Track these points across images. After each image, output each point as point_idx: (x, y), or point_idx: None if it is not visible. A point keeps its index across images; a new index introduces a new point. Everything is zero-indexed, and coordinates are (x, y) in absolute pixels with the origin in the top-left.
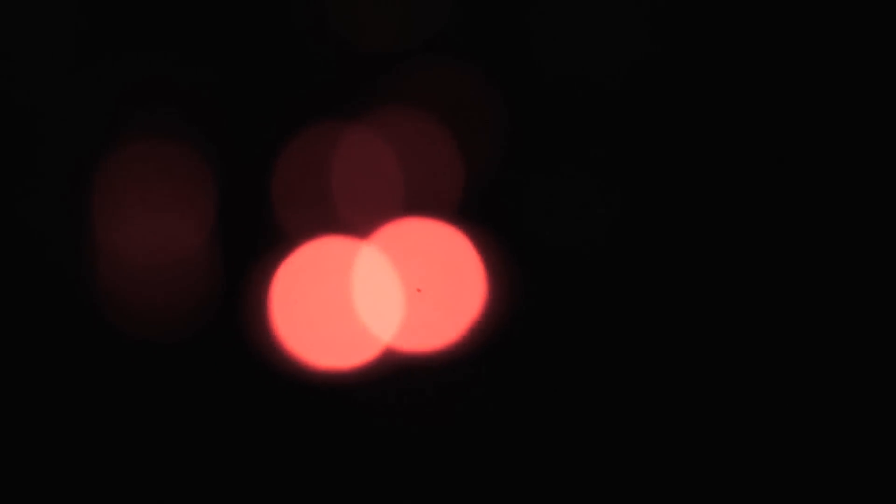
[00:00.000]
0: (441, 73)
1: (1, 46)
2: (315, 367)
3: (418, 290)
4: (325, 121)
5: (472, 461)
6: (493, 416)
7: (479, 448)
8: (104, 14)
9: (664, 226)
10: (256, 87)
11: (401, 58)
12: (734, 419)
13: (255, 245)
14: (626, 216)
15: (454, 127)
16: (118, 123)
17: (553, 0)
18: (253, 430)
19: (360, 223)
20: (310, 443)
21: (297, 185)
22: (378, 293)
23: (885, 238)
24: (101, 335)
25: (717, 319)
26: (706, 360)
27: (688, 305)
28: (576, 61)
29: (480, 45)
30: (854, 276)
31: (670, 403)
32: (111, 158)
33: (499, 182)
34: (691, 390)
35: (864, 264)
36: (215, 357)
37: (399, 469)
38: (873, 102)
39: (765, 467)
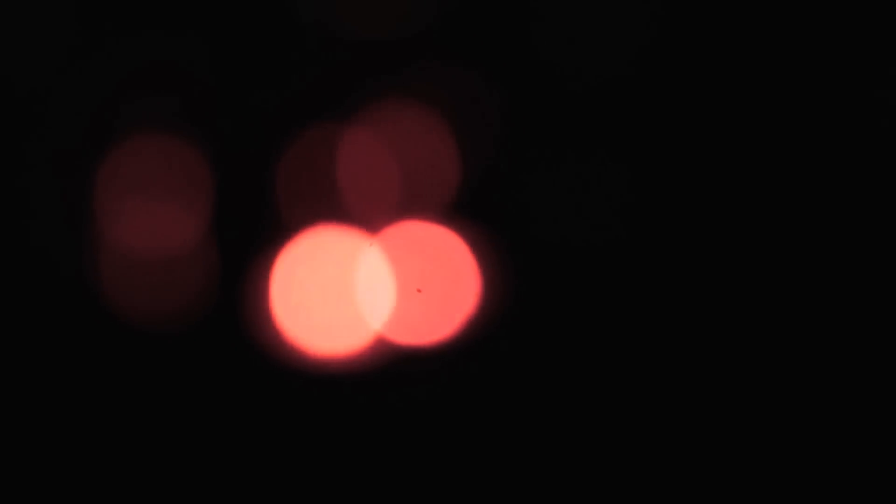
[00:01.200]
0: (440, 70)
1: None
2: (310, 354)
3: (418, 291)
4: (324, 116)
5: (461, 456)
6: (485, 412)
7: (470, 444)
8: (104, 6)
9: (661, 224)
10: (257, 82)
11: (400, 54)
12: (733, 419)
13: (253, 236)
14: (623, 214)
15: (452, 124)
16: (118, 116)
17: None
18: (249, 418)
19: (357, 218)
20: (304, 432)
21: (295, 179)
22: (373, 286)
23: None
24: (102, 326)
25: (714, 321)
26: (701, 360)
27: (682, 301)
28: (574, 58)
29: (479, 42)
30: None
31: (662, 397)
32: (112, 151)
33: (495, 179)
34: (685, 388)
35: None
36: (214, 346)
37: (389, 460)
38: (872, 98)
39: (764, 468)
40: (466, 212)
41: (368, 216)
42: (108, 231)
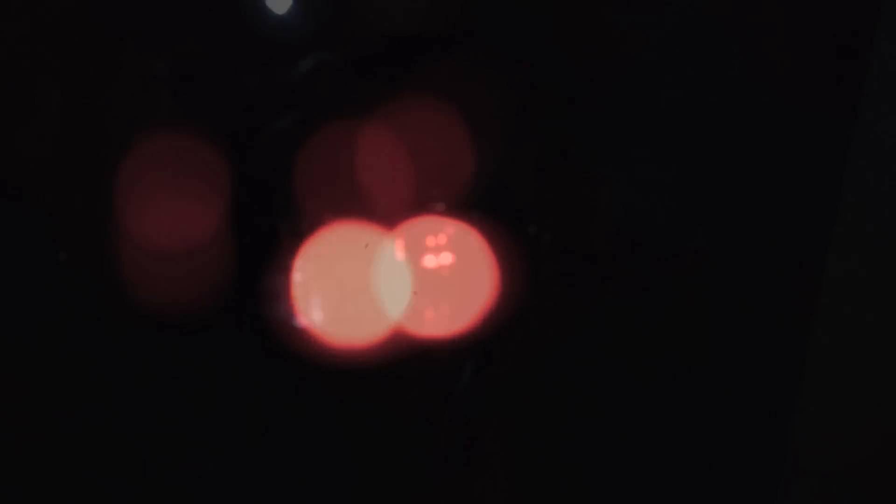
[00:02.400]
0: (458, 65)
1: (21, 43)
2: (328, 346)
3: (415, 293)
4: (341, 112)
5: (477, 452)
6: (498, 409)
7: (485, 442)
8: (119, 8)
9: (678, 221)
10: (271, 78)
11: (416, 50)
12: (737, 419)
13: (272, 231)
14: (643, 210)
15: (469, 120)
16: (139, 115)
17: None
18: (266, 410)
19: (373, 214)
20: (321, 423)
21: (313, 174)
22: (390, 281)
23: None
24: (122, 319)
25: (731, 319)
26: (716, 357)
27: (699, 299)
28: (596, 54)
29: (498, 37)
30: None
31: (679, 395)
32: (136, 149)
33: (513, 175)
34: (699, 385)
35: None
36: (231, 339)
37: (403, 455)
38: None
39: (764, 467)
40: (483, 207)
41: (384, 211)
42: (130, 226)
